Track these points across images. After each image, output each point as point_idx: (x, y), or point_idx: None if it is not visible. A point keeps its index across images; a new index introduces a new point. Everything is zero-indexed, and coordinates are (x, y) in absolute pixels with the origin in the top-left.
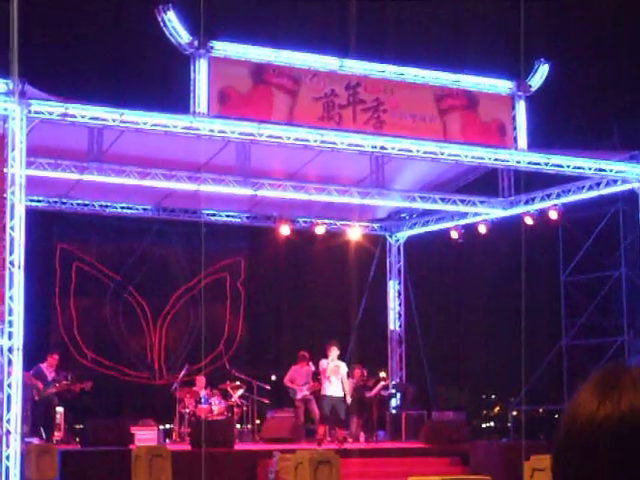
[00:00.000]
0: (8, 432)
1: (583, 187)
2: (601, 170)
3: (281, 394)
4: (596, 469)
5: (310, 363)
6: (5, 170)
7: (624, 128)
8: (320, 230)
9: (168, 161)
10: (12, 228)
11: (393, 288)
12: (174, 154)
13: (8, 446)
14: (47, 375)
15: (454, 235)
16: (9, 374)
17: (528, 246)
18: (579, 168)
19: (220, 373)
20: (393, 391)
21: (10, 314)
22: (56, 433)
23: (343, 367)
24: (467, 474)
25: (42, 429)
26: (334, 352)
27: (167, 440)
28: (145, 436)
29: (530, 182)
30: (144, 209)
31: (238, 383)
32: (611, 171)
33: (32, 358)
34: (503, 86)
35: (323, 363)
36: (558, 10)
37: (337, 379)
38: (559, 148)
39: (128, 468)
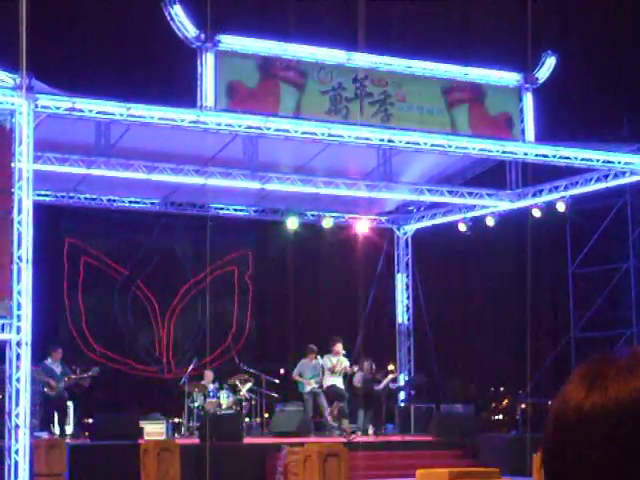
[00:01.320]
0: (17, 426)
1: (591, 179)
2: (609, 162)
3: (289, 388)
4: (585, 460)
5: (319, 357)
6: (12, 165)
7: (632, 120)
8: (328, 223)
9: (175, 155)
10: (20, 223)
11: (401, 281)
12: (181, 148)
13: (17, 440)
14: (55, 370)
15: (462, 228)
16: (17, 368)
17: (536, 238)
18: (587, 160)
19: (228, 367)
20: (402, 384)
21: (18, 309)
22: (66, 427)
23: (346, 362)
24: (476, 467)
25: (58, 424)
26: (340, 348)
27: (176, 434)
28: (154, 430)
29: (538, 174)
30: (152, 203)
31: (246, 377)
32: (619, 163)
33: (40, 353)
34: (510, 78)
35: (333, 360)
36: (565, 1)
37: (340, 374)
38: (567, 140)
39: (137, 462)
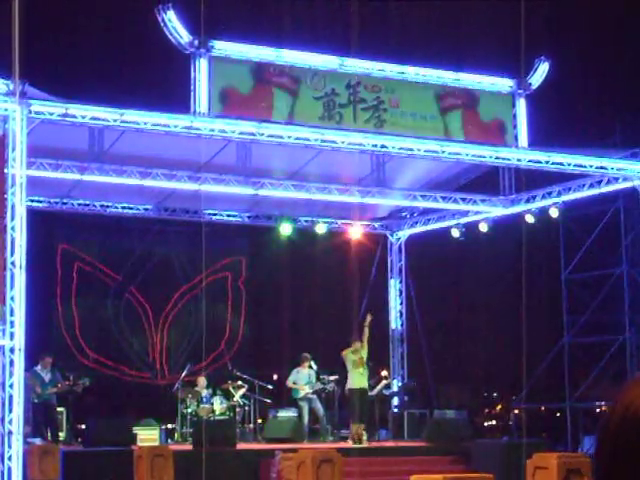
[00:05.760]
0: (10, 433)
1: (584, 185)
2: (602, 168)
3: (283, 394)
4: None
5: (312, 363)
6: (6, 171)
7: (625, 125)
8: (321, 229)
9: (169, 161)
10: (13, 229)
11: (394, 287)
12: (175, 154)
13: (10, 447)
14: (43, 377)
15: (455, 234)
16: (11, 374)
17: (529, 244)
18: (580, 166)
19: (222, 373)
20: (395, 390)
21: (12, 315)
22: (59, 434)
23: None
24: (469, 473)
25: (48, 431)
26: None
27: (169, 440)
28: (147, 436)
29: (531, 180)
30: (145, 209)
31: (240, 383)
32: (612, 169)
33: (33, 359)
34: (503, 84)
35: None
36: (558, 8)
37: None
38: (560, 146)
39: (130, 468)
